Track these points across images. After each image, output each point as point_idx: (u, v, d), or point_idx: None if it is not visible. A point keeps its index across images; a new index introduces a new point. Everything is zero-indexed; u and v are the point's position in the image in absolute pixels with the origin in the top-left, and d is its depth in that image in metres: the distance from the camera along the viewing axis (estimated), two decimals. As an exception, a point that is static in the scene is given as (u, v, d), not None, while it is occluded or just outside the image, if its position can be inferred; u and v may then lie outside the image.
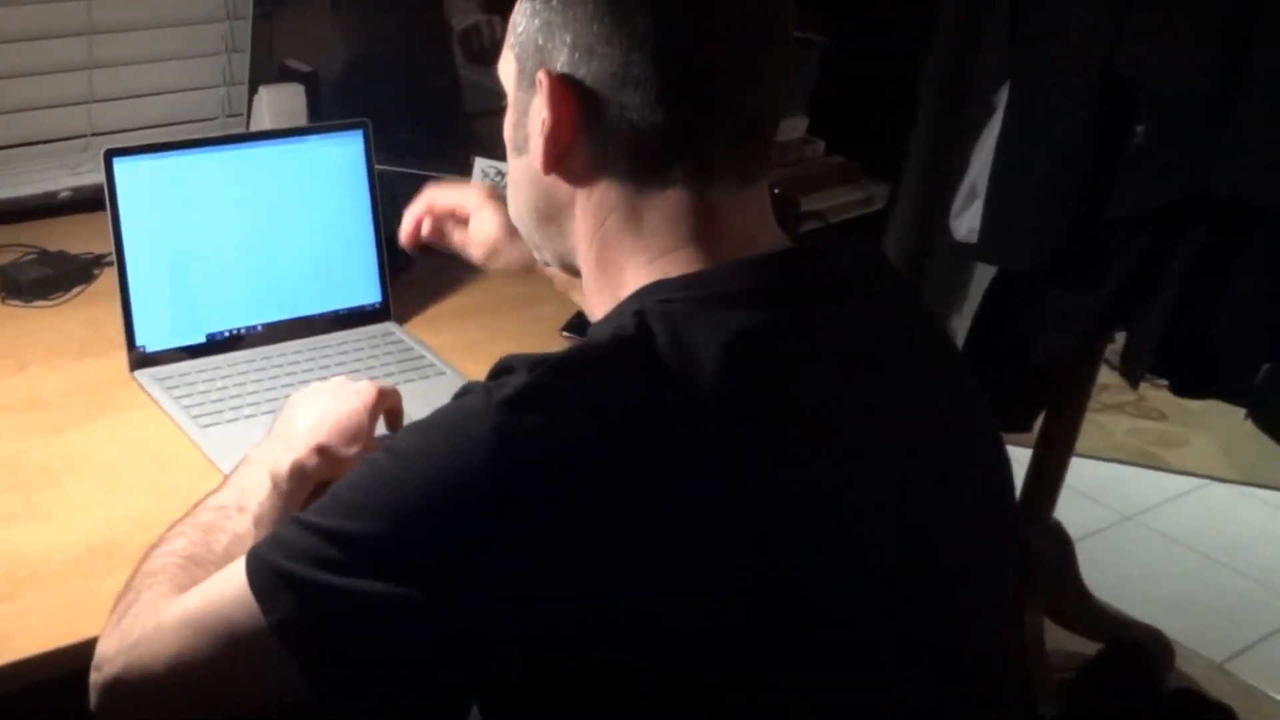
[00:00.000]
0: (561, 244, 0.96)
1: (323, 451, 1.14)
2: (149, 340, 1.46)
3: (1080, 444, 2.32)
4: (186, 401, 1.40)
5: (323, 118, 1.85)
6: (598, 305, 0.93)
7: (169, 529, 1.04)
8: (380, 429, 1.25)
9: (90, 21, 1.87)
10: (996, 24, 1.94)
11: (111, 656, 0.89)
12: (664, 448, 0.77)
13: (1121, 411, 3.36)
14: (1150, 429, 3.34)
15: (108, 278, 1.64)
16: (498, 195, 1.38)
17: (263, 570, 0.82)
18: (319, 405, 1.19)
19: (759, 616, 0.78)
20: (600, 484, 0.76)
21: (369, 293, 1.61)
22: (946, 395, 0.94)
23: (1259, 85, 1.61)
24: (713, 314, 0.82)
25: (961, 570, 0.90)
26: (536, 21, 0.88)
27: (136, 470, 1.29)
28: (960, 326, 2.21)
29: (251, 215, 1.52)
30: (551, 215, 0.94)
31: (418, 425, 0.82)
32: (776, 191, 0.95)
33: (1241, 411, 1.85)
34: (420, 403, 1.41)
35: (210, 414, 1.38)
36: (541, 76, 0.87)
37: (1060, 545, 2.36)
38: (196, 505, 1.08)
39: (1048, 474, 2.29)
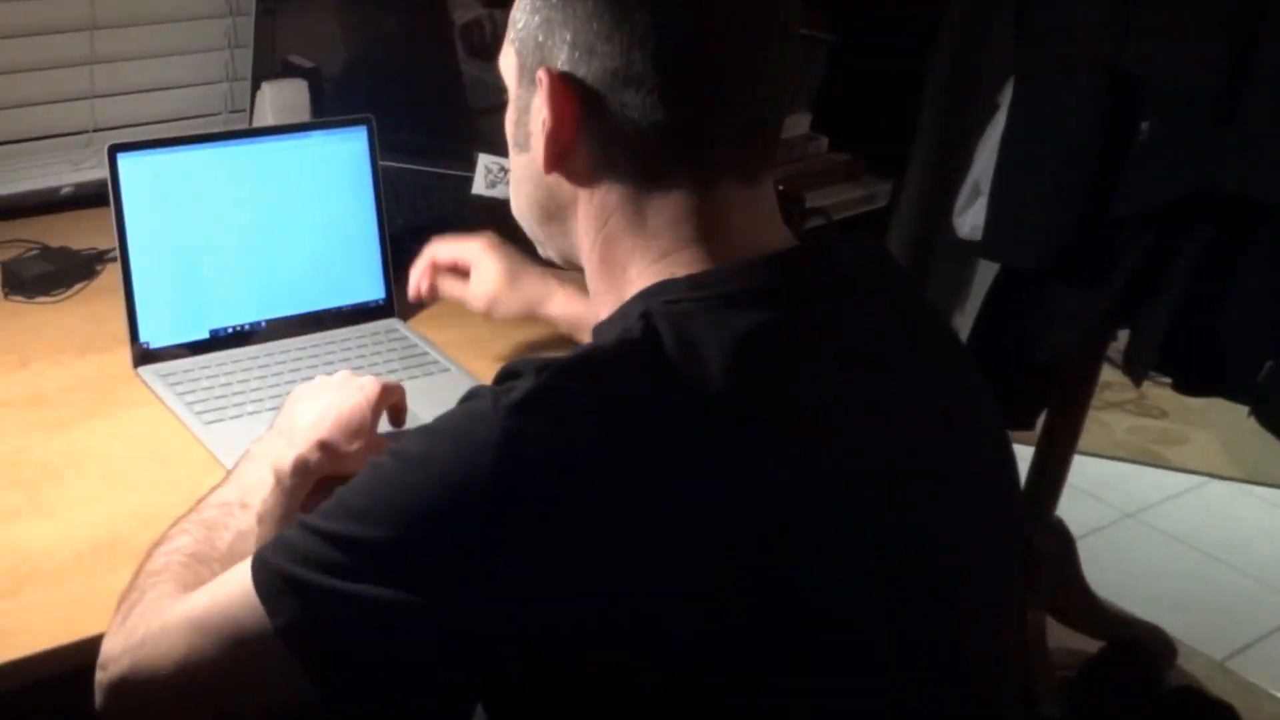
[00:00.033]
0: (564, 242, 0.95)
1: (325, 447, 1.14)
2: (152, 336, 1.46)
3: (1081, 441, 2.32)
4: (190, 398, 1.40)
5: (325, 114, 1.85)
6: (601, 305, 0.93)
7: (172, 526, 1.04)
8: (384, 425, 1.25)
9: (92, 16, 1.87)
10: (1002, 22, 1.94)
11: (117, 656, 0.89)
12: (665, 448, 0.77)
13: (1122, 409, 3.36)
14: (1151, 427, 3.34)
15: (110, 273, 1.64)
16: (496, 246, 1.42)
17: (268, 573, 0.82)
18: (322, 400, 1.19)
19: (759, 616, 0.78)
20: (600, 484, 0.76)
21: (373, 289, 1.60)
22: (949, 393, 0.94)
23: (1265, 83, 1.61)
24: (718, 315, 0.82)
25: (962, 570, 0.90)
26: (537, 18, 0.88)
27: (140, 467, 1.29)
28: (963, 324, 2.21)
29: (255, 211, 1.52)
30: (554, 213, 0.94)
31: (424, 429, 0.82)
32: (781, 188, 0.94)
33: (1242, 409, 1.85)
34: (424, 399, 1.41)
35: (214, 410, 1.38)
36: (541, 75, 0.86)
37: (1062, 543, 2.37)
38: (199, 501, 1.08)
39: (1050, 471, 2.29)
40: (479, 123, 1.98)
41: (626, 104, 0.84)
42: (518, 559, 0.75)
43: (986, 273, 2.12)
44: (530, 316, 1.45)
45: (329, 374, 1.21)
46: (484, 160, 1.86)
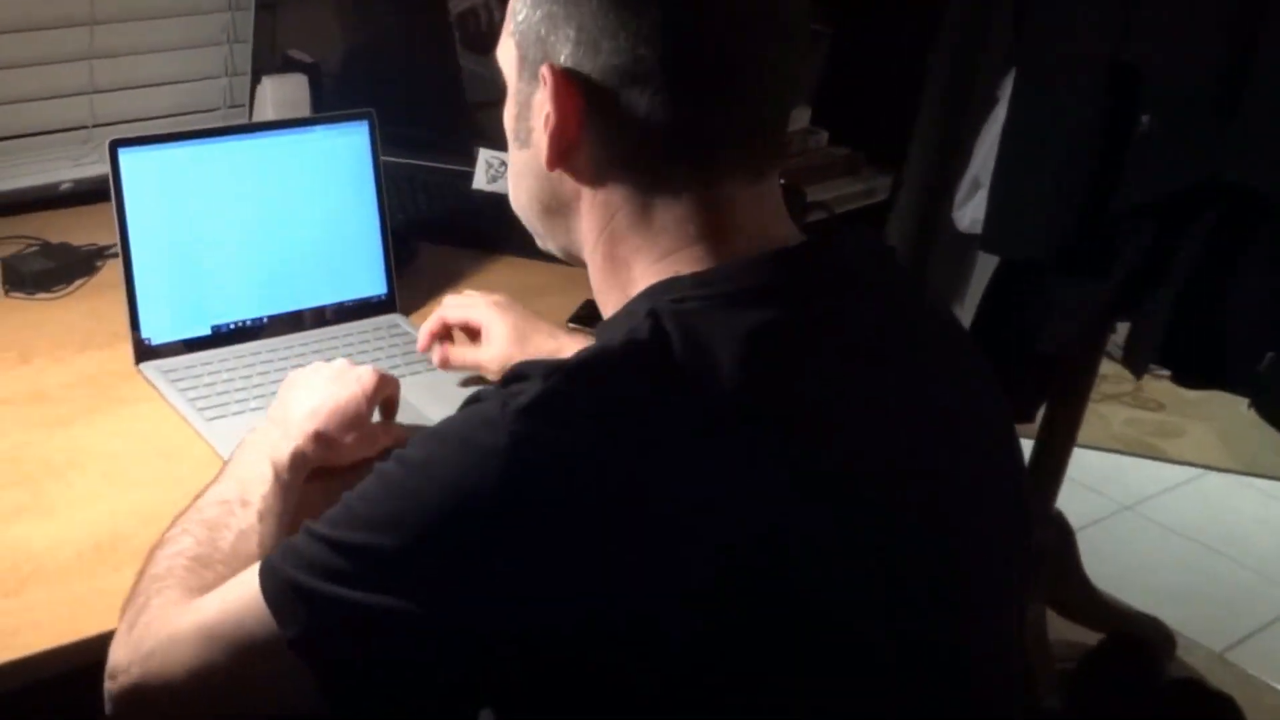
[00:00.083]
0: (567, 238, 0.95)
1: (320, 438, 1.14)
2: (154, 332, 1.45)
3: (1079, 434, 2.32)
4: (192, 394, 1.39)
5: (325, 109, 1.85)
6: (606, 302, 0.93)
7: (172, 525, 1.04)
8: (375, 417, 1.25)
9: (91, 12, 1.86)
10: (1002, 15, 1.93)
11: (125, 666, 0.89)
12: (664, 450, 0.77)
13: (1120, 401, 3.37)
14: (1148, 419, 3.35)
15: (110, 269, 1.64)
16: (505, 306, 1.41)
17: (276, 582, 0.82)
18: (318, 390, 1.19)
19: (758, 617, 0.78)
20: (600, 486, 0.76)
21: (374, 284, 1.60)
22: (951, 390, 0.93)
23: (1265, 82, 1.61)
24: (725, 313, 0.82)
25: (963, 569, 0.89)
26: (539, 12, 0.87)
27: (142, 464, 1.29)
28: (963, 318, 2.21)
29: (257, 206, 1.51)
30: (557, 210, 0.93)
31: (429, 434, 0.82)
32: (782, 182, 0.94)
33: (1238, 401, 1.85)
34: (425, 395, 1.42)
35: (216, 407, 1.38)
36: (545, 72, 0.86)
37: (1062, 536, 2.37)
38: (198, 498, 1.07)
39: (1049, 464, 2.29)
40: (478, 117, 1.98)
41: (632, 101, 0.84)
42: (518, 560, 0.75)
43: (985, 267, 2.12)
44: None
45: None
46: (484, 155, 1.86)
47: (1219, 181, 1.68)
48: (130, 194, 1.43)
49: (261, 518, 1.05)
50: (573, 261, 0.97)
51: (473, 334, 1.45)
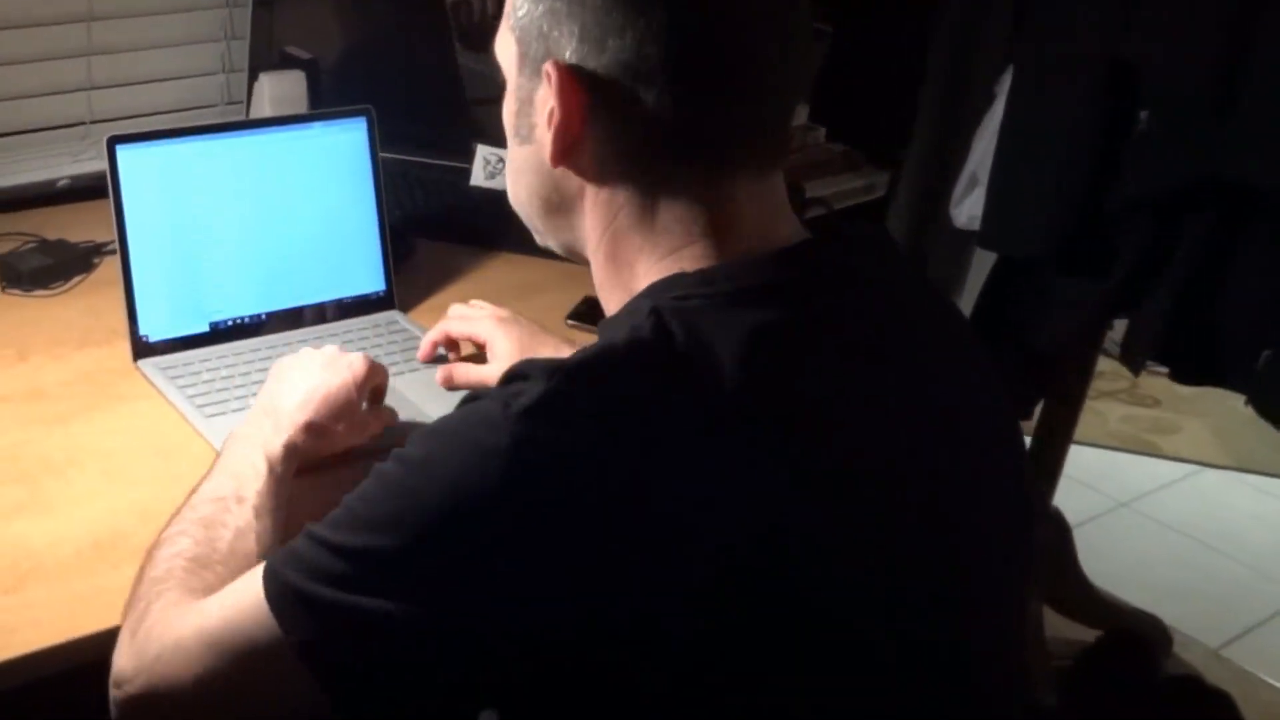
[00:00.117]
0: (569, 235, 0.95)
1: (312, 428, 1.14)
2: (152, 329, 1.45)
3: (1075, 431, 2.32)
4: (190, 391, 1.39)
5: (323, 105, 1.85)
6: (609, 299, 0.92)
7: (168, 525, 1.03)
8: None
9: (90, 8, 1.86)
10: (999, 11, 1.93)
11: (131, 675, 0.89)
12: (666, 448, 0.77)
13: (1115, 398, 3.37)
14: (1144, 416, 3.35)
15: (108, 266, 1.64)
16: (508, 320, 1.40)
17: (279, 587, 0.82)
18: (308, 379, 1.19)
19: (759, 616, 0.77)
20: (600, 486, 0.75)
21: (373, 281, 1.60)
22: (953, 386, 0.93)
23: (1263, 80, 1.61)
24: (727, 312, 0.82)
25: (963, 567, 0.89)
26: (540, 7, 0.86)
27: (140, 461, 1.29)
28: (960, 314, 2.21)
29: (255, 203, 1.51)
30: (559, 206, 0.93)
31: (428, 432, 0.82)
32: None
33: (1234, 398, 1.86)
34: (424, 391, 1.41)
35: (214, 404, 1.37)
36: (549, 69, 0.85)
37: (1059, 533, 2.37)
38: (192, 494, 1.07)
39: (1046, 461, 2.30)
40: (476, 114, 1.98)
41: (637, 99, 0.84)
42: (519, 560, 0.75)
43: (983, 263, 2.12)
44: None
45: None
46: (482, 151, 1.86)
47: (1217, 179, 1.68)
48: (128, 190, 1.42)
49: (258, 514, 1.05)
50: (573, 258, 0.97)
51: (479, 350, 1.44)
